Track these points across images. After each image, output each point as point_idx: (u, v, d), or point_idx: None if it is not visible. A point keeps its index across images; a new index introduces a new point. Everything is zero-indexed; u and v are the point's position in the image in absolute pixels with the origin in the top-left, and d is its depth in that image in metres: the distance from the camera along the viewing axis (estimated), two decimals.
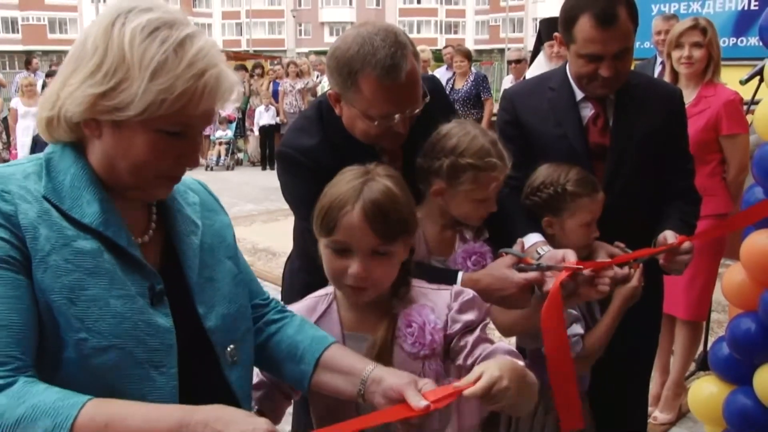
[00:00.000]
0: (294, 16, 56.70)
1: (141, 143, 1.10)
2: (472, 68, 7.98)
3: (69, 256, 1.07)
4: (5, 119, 10.21)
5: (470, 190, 1.76)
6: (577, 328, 1.93)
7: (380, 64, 1.58)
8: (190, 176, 1.34)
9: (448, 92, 6.73)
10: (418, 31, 53.88)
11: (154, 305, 1.15)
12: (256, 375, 1.47)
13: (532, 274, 1.72)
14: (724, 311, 4.06)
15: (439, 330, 1.41)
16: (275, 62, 13.86)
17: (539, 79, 2.37)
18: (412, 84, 1.65)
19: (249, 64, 13.50)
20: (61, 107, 1.11)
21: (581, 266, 1.74)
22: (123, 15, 1.09)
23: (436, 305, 1.44)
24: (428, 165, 1.80)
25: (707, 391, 2.59)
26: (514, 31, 49.56)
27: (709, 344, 3.05)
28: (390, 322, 1.43)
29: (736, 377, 2.43)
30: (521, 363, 1.34)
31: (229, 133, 12.14)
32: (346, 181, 1.39)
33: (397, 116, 1.65)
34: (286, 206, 1.92)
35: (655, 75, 4.26)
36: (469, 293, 1.47)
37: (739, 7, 5.92)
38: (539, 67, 4.97)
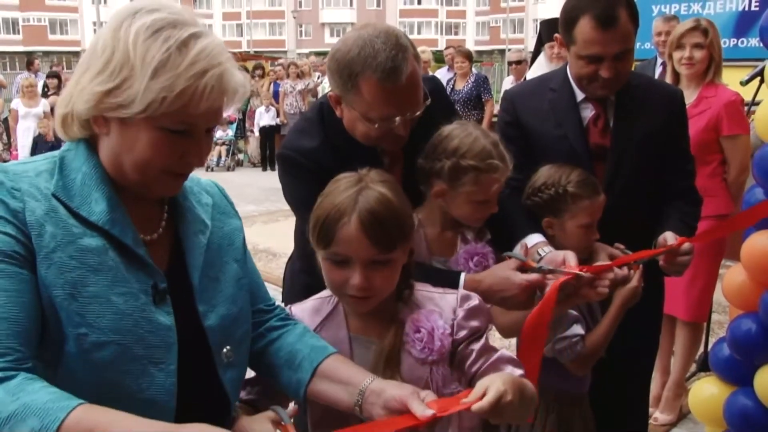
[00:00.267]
0: (294, 17, 56.69)
1: (145, 140, 1.12)
2: (473, 69, 7.97)
3: (73, 253, 1.09)
4: (6, 120, 10.21)
5: (471, 191, 1.77)
6: (578, 329, 1.94)
7: (381, 67, 1.58)
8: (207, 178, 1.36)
9: (448, 93, 6.73)
10: (419, 32, 53.82)
11: (156, 303, 1.16)
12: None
13: (534, 276, 1.73)
14: (724, 312, 4.06)
15: (448, 335, 1.40)
16: (276, 63, 13.87)
17: (540, 80, 2.38)
18: (413, 87, 1.65)
19: (249, 65, 13.51)
20: (73, 105, 1.14)
21: (583, 271, 1.74)
22: (131, 16, 1.12)
23: (443, 310, 1.43)
24: (429, 166, 1.80)
25: (708, 391, 2.58)
26: (514, 32, 49.53)
27: (710, 345, 3.05)
28: (397, 327, 1.41)
29: (737, 378, 2.43)
30: (520, 371, 1.34)
31: (230, 133, 12.15)
32: (340, 191, 1.37)
33: (397, 119, 1.65)
34: (287, 207, 1.93)
35: (656, 76, 4.26)
36: (475, 299, 1.47)
37: (740, 8, 5.91)
38: (540, 68, 4.98)
